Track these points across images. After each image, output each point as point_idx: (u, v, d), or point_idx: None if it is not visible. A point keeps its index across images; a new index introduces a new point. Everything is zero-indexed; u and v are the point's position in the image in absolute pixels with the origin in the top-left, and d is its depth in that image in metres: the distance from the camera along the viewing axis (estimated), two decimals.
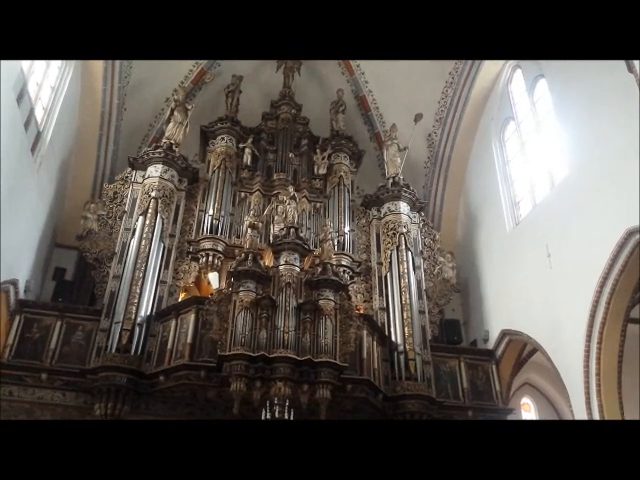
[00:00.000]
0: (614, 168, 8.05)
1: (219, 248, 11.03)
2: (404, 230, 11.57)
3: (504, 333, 10.77)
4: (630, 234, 7.71)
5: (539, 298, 9.66)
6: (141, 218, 10.55)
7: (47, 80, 10.19)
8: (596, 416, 8.08)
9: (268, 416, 8.03)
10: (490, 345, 11.14)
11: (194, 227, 11.34)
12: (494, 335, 11.06)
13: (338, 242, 11.55)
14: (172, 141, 11.54)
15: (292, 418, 8.09)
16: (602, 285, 8.18)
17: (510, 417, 10.59)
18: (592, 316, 8.30)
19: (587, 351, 8.34)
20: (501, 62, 12.17)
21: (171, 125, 11.89)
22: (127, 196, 11.12)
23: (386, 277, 11.19)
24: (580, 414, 8.37)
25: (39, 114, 9.85)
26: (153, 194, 10.78)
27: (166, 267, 10.48)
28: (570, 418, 9.01)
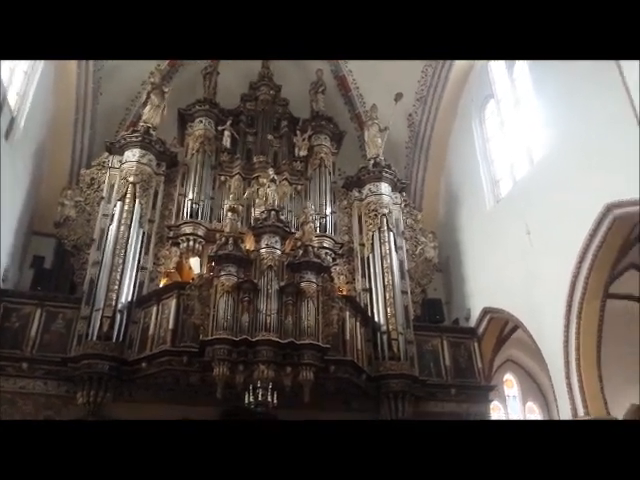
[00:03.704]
0: (593, 144, 8.07)
1: (200, 233, 10.93)
2: (386, 211, 11.54)
3: (485, 311, 10.85)
4: (608, 209, 7.79)
5: (519, 275, 9.73)
6: (119, 204, 10.38)
7: (20, 65, 9.96)
8: (575, 390, 8.21)
9: (251, 399, 8.04)
10: (472, 323, 11.22)
11: (174, 212, 11.20)
12: (476, 313, 11.15)
13: (320, 224, 11.51)
14: (149, 125, 11.33)
15: (275, 401, 8.11)
16: (581, 260, 8.28)
17: (492, 393, 10.78)
18: (571, 291, 8.40)
19: (566, 326, 8.46)
20: None
21: (148, 108, 11.67)
22: (104, 181, 10.91)
23: (368, 258, 11.18)
24: (560, 388, 8.52)
25: (12, 99, 9.63)
26: (131, 179, 10.60)
27: (146, 253, 10.34)
28: (551, 392, 9.15)
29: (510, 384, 13.38)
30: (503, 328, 11.04)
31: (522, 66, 10.72)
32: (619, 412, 9.14)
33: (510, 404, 13.21)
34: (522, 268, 9.66)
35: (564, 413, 8.43)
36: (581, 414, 8.05)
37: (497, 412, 12.53)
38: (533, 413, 13.20)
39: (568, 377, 8.35)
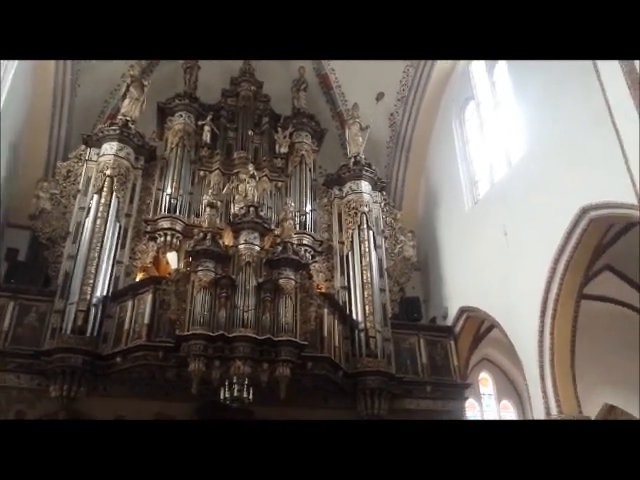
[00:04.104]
0: (570, 147, 8.16)
1: (177, 227, 10.83)
2: (366, 209, 11.56)
3: (462, 310, 10.94)
4: (584, 211, 7.88)
5: (496, 276, 9.81)
6: (96, 197, 10.23)
7: None
8: (549, 389, 8.31)
9: (227, 395, 7.99)
10: (449, 322, 11.29)
11: (152, 206, 11.08)
12: (453, 312, 11.22)
13: (300, 221, 11.51)
14: (128, 118, 11.20)
15: (251, 397, 8.08)
16: (556, 262, 8.38)
17: (468, 391, 10.88)
18: (546, 292, 8.50)
19: (541, 326, 8.54)
20: None
21: (127, 101, 11.54)
22: (81, 174, 10.75)
23: (347, 256, 11.19)
24: (534, 387, 8.60)
25: None
26: (108, 172, 10.45)
27: (122, 247, 10.21)
28: (525, 391, 9.24)
29: (485, 382, 13.52)
30: (479, 327, 11.14)
31: (502, 69, 10.82)
32: (592, 410, 9.30)
33: (485, 402, 13.36)
34: (499, 268, 9.74)
35: (538, 412, 8.52)
36: (554, 413, 8.14)
37: (472, 410, 12.66)
38: (508, 411, 13.35)
39: (542, 376, 8.44)
